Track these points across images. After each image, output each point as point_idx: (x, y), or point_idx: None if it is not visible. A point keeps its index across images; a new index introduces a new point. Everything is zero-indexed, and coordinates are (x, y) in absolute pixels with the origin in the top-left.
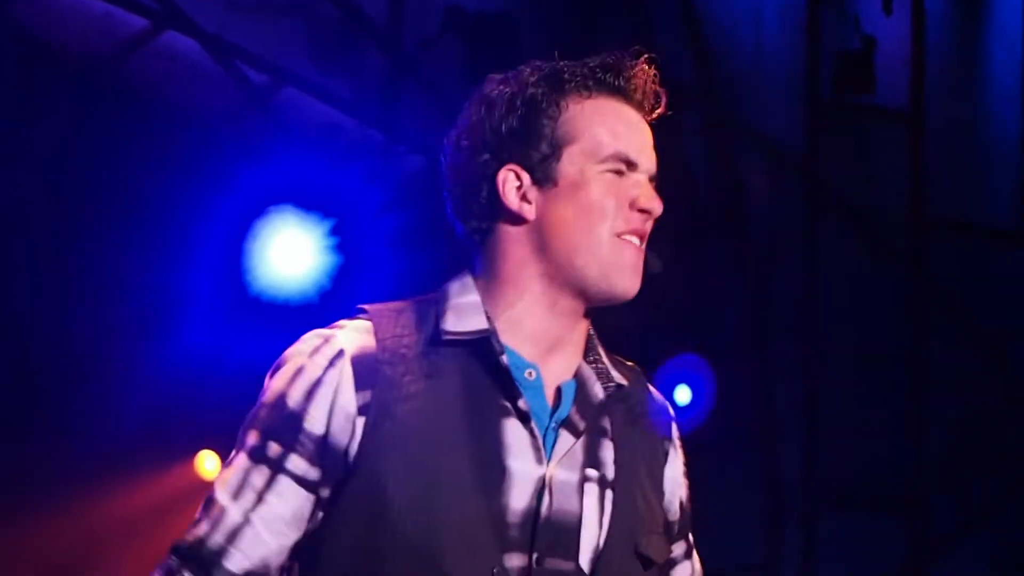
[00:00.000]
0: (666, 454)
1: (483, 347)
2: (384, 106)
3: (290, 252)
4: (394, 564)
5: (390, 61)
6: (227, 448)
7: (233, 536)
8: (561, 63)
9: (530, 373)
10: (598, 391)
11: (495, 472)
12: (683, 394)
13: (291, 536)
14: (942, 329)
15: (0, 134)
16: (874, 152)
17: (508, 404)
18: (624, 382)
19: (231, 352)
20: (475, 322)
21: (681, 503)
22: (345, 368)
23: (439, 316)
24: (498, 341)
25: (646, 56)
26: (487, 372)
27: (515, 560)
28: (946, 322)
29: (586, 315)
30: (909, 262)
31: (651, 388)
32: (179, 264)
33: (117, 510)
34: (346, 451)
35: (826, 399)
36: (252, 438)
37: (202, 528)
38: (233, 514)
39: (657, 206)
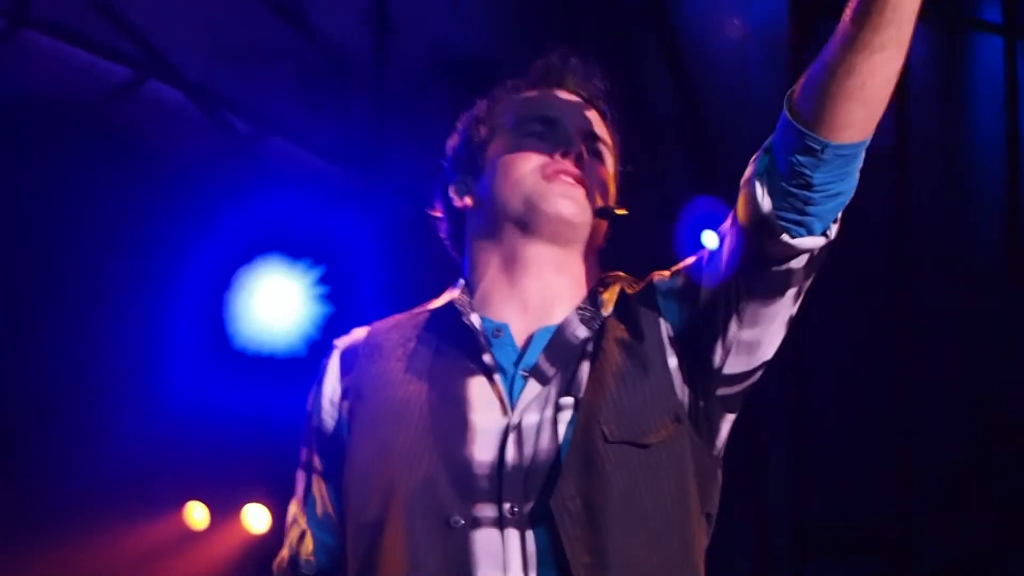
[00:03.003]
0: (658, 311)
1: (452, 313)
2: (370, 151)
3: (276, 301)
4: (359, 540)
5: (375, 106)
6: (215, 498)
7: (300, 542)
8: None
9: (497, 332)
10: (580, 333)
11: (458, 429)
12: (710, 239)
13: (342, 526)
14: (928, 371)
15: None
16: (858, 192)
17: (473, 363)
18: (610, 310)
19: (219, 402)
20: (451, 296)
21: (681, 280)
22: (334, 361)
23: (429, 303)
24: (465, 307)
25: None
26: (457, 338)
27: (486, 510)
28: (932, 364)
29: (560, 267)
30: (894, 303)
31: (650, 282)
32: (165, 313)
33: (105, 560)
34: (335, 435)
35: (813, 442)
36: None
37: (287, 539)
38: (297, 522)
39: (575, 144)
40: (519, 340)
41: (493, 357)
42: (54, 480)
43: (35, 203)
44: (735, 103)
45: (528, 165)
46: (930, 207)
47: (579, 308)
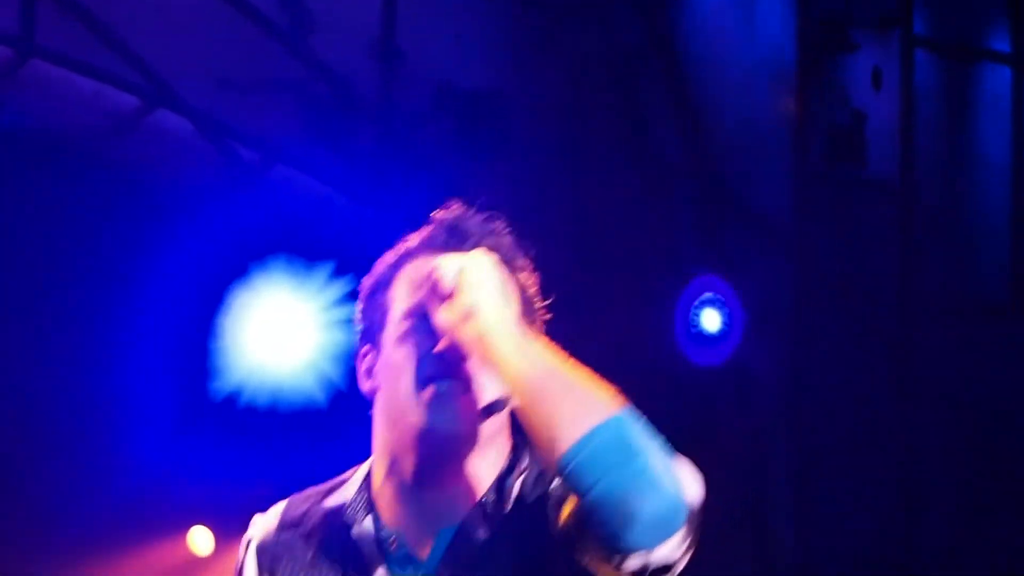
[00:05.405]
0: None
1: (345, 523)
2: (375, 182)
3: (283, 334)
4: None
5: (381, 137)
6: (219, 524)
7: None
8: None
9: (393, 542)
10: (481, 533)
11: None
12: (711, 320)
13: None
14: (932, 406)
15: None
16: (864, 225)
17: None
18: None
19: (223, 426)
20: (347, 494)
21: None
22: (250, 557)
23: (331, 492)
24: (358, 510)
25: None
26: (351, 550)
27: None
28: (936, 399)
29: (454, 474)
30: (898, 337)
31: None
32: (174, 339)
33: None
34: None
35: (817, 481)
36: None
37: None
38: None
39: (447, 338)
40: (417, 547)
41: (388, 572)
42: (56, 504)
43: (40, 231)
44: (742, 133)
45: (403, 380)
46: (936, 237)
47: (480, 502)
